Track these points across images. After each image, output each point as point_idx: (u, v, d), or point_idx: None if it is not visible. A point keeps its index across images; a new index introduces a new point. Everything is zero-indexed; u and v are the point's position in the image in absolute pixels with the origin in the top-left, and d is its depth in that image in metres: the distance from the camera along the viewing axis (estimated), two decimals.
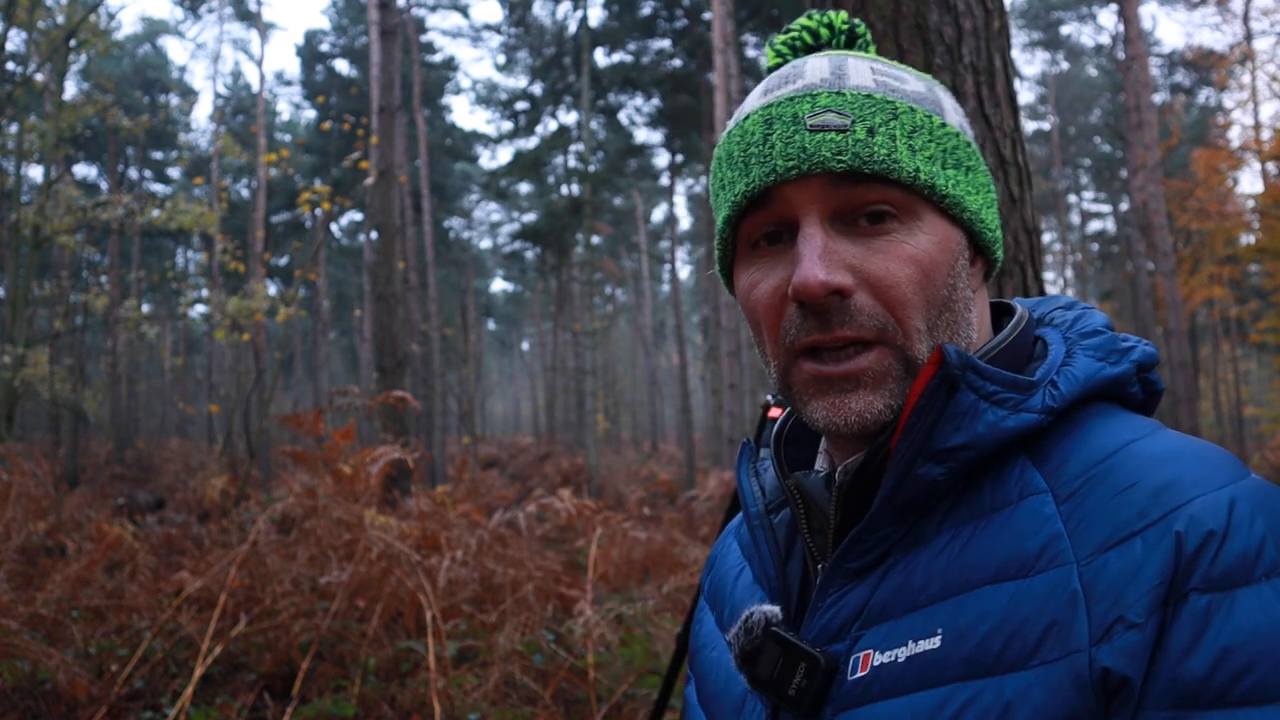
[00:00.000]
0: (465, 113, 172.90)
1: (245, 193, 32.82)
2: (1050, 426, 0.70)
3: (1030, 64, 41.48)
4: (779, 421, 0.88)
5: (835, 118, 0.71)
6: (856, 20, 0.85)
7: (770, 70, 0.84)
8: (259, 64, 25.42)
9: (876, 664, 0.67)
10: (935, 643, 0.65)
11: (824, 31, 0.84)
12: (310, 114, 34.99)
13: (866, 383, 0.71)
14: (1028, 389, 0.70)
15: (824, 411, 0.72)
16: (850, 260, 0.71)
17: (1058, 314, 0.81)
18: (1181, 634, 0.56)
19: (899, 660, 0.66)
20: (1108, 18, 31.13)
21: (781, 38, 0.85)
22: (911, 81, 0.77)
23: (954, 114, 0.78)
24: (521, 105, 26.14)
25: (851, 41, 0.85)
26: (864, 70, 0.76)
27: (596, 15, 40.59)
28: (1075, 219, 36.84)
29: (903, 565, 0.70)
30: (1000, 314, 0.84)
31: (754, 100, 0.78)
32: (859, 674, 0.68)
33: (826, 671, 0.69)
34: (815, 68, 0.77)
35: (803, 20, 0.85)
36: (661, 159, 26.48)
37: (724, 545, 0.96)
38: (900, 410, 0.71)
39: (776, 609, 0.75)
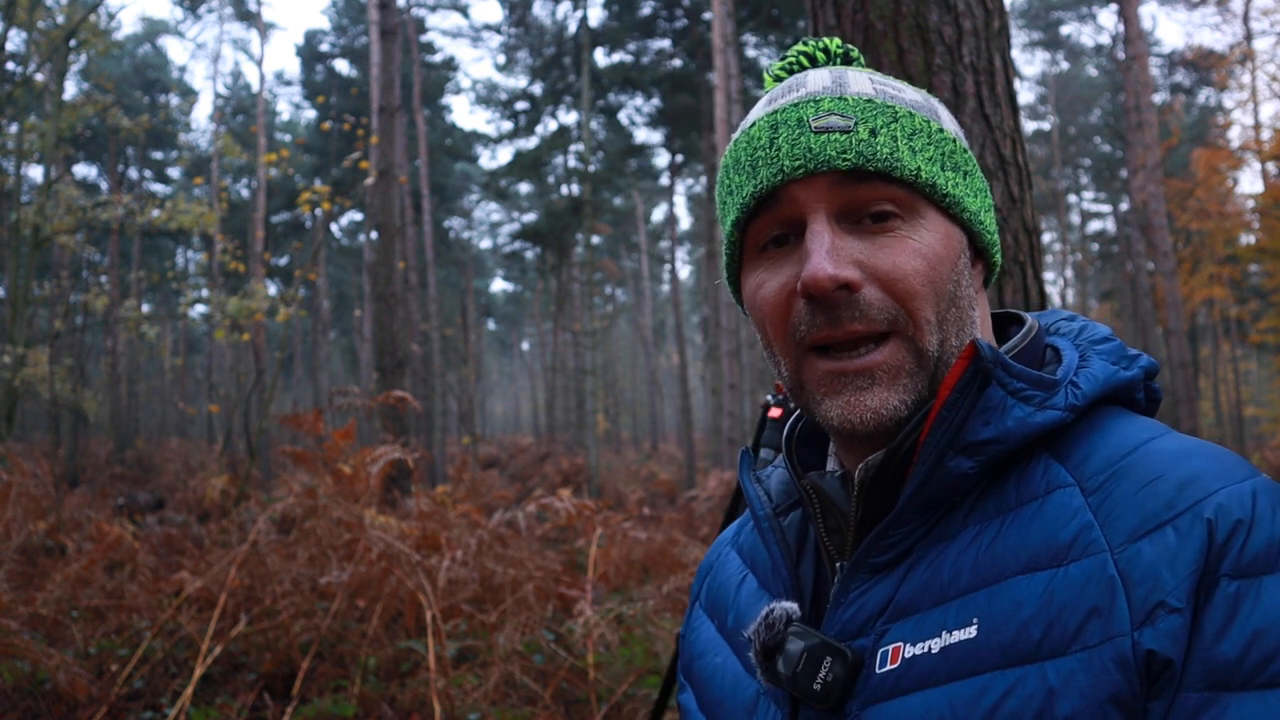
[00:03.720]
0: (465, 113, 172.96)
1: (245, 193, 32.82)
2: (1070, 425, 0.72)
3: (1030, 64, 41.49)
4: (789, 424, 0.89)
5: (839, 120, 0.74)
6: (850, 45, 0.89)
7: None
8: (259, 64, 25.42)
9: (908, 656, 0.68)
10: (971, 632, 0.66)
11: (820, 55, 0.87)
12: (310, 114, 34.99)
13: (881, 379, 0.72)
14: (1051, 387, 0.72)
15: (839, 410, 0.73)
16: (857, 256, 0.72)
17: (1063, 324, 0.84)
18: (1214, 618, 0.59)
19: (932, 651, 0.67)
20: (1108, 18, 31.17)
21: (779, 63, 0.88)
22: (909, 91, 0.81)
23: (950, 122, 0.81)
24: (521, 105, 26.13)
25: (847, 64, 0.88)
26: (863, 79, 0.80)
27: (596, 15, 40.61)
28: (1075, 219, 36.84)
29: (929, 559, 0.71)
30: (1006, 323, 0.87)
31: (759, 110, 0.81)
32: (889, 667, 0.69)
33: (853, 665, 0.70)
34: (816, 78, 0.80)
35: (799, 46, 0.88)
36: (661, 159, 26.51)
37: (720, 554, 0.96)
38: (914, 407, 0.73)
39: (795, 606, 0.75)
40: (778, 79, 0.87)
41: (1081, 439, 0.71)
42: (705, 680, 0.86)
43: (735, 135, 0.82)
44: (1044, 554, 0.66)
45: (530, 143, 26.19)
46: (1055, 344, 0.81)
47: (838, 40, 0.88)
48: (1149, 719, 0.59)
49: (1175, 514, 0.62)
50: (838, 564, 0.77)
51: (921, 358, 0.73)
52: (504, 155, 60.22)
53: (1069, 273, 37.90)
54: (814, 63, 0.87)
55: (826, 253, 0.71)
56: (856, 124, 0.74)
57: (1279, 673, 0.57)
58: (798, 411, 0.88)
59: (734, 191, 0.78)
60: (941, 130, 0.78)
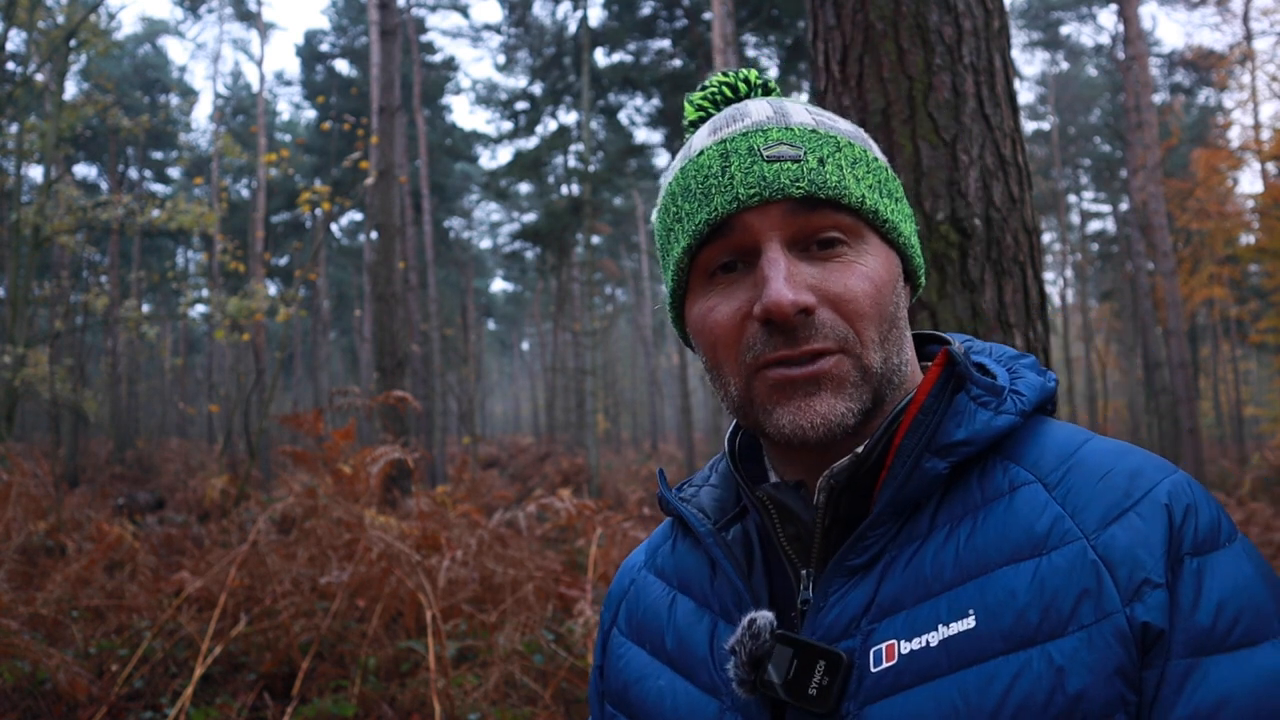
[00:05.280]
0: (465, 113, 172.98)
1: (245, 193, 32.82)
2: (1017, 429, 0.78)
3: (1030, 64, 41.51)
4: (728, 439, 0.91)
5: (788, 149, 0.78)
6: (768, 77, 0.92)
7: (691, 125, 0.91)
8: (259, 64, 25.43)
9: (905, 652, 0.70)
10: (970, 623, 0.69)
11: (742, 86, 0.91)
12: (310, 114, 34.99)
13: (828, 385, 0.75)
14: (1000, 394, 0.78)
15: (790, 416, 0.75)
16: (811, 281, 0.76)
17: (972, 344, 0.90)
18: (1186, 592, 0.66)
19: (931, 645, 0.70)
20: (1108, 18, 31.15)
21: (699, 94, 0.91)
22: (841, 122, 0.85)
23: (878, 151, 0.86)
24: (521, 105, 26.11)
25: (767, 94, 0.91)
26: (801, 110, 0.84)
27: (596, 15, 40.63)
28: (1075, 219, 36.82)
29: (905, 558, 0.74)
30: (921, 342, 0.92)
31: (704, 138, 0.84)
32: (885, 664, 0.71)
33: (846, 667, 0.71)
34: (758, 108, 0.84)
35: (719, 77, 0.91)
36: (661, 159, 26.47)
37: (634, 579, 0.96)
38: (860, 416, 0.76)
39: (773, 615, 0.76)
40: (700, 110, 0.90)
41: (1028, 441, 0.77)
42: (651, 704, 0.84)
43: (679, 164, 0.84)
44: (1025, 545, 0.71)
45: (530, 143, 26.17)
46: (979, 360, 0.86)
47: (756, 72, 0.91)
48: (1144, 688, 0.65)
49: (1134, 502, 0.70)
50: (803, 571, 0.78)
51: (866, 373, 0.76)
52: (504, 155, 60.29)
53: (1069, 273, 37.89)
54: (735, 93, 0.90)
55: (785, 279, 0.74)
56: (805, 153, 0.78)
57: (1243, 635, 0.65)
58: (733, 427, 0.91)
59: (684, 219, 0.81)
60: (876, 159, 0.83)
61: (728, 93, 0.90)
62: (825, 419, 0.74)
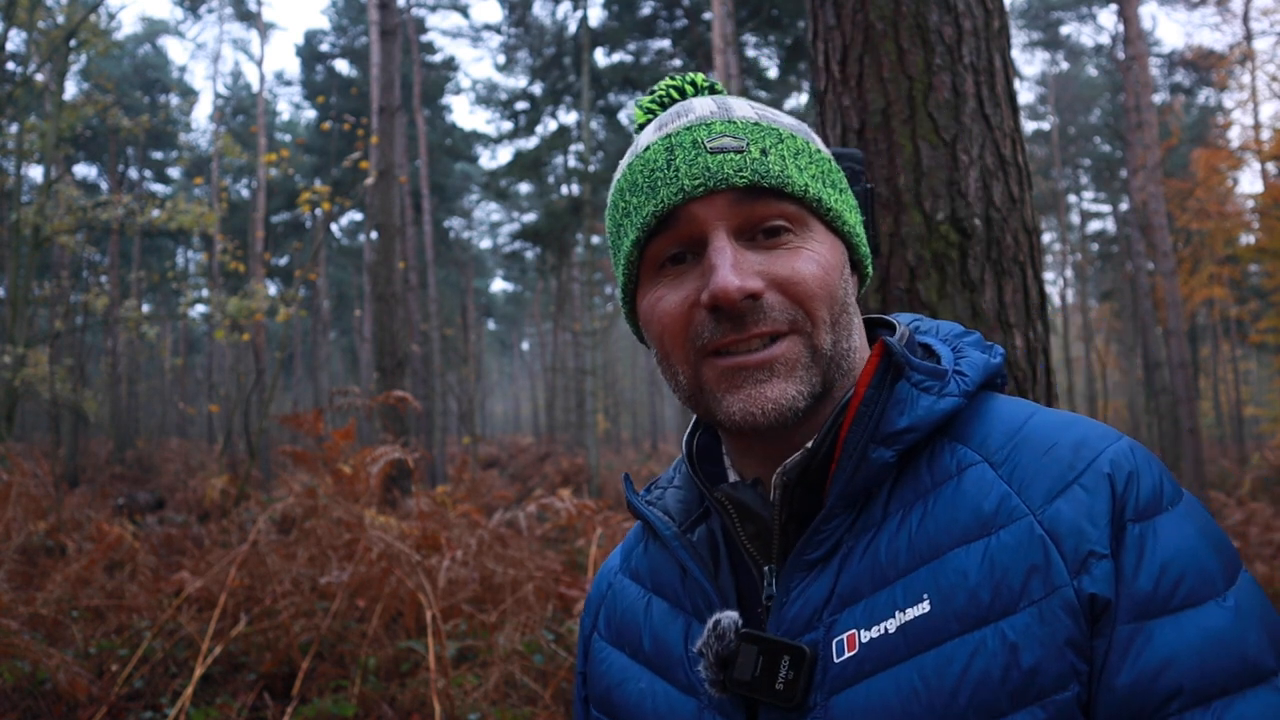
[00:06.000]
0: (465, 113, 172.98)
1: (245, 193, 32.82)
2: (962, 410, 0.79)
3: (1030, 64, 41.49)
4: (685, 441, 0.92)
5: (731, 141, 0.79)
6: (714, 80, 0.93)
7: (639, 128, 0.92)
8: (259, 64, 25.43)
9: (865, 640, 0.72)
10: (925, 607, 0.70)
11: (689, 89, 0.91)
12: (310, 114, 34.99)
13: (780, 371, 0.76)
14: (942, 377, 0.78)
15: (741, 404, 0.76)
16: (758, 267, 0.77)
17: (920, 324, 0.90)
18: (1129, 558, 0.68)
19: (889, 631, 0.71)
20: (1108, 18, 31.14)
21: (648, 98, 0.92)
22: (784, 117, 0.86)
23: (822, 145, 0.87)
24: (521, 105, 26.12)
25: (712, 95, 0.91)
26: (744, 105, 0.85)
27: (596, 15, 40.59)
28: (1075, 219, 36.80)
29: (860, 548, 0.75)
30: (872, 327, 0.92)
31: (649, 135, 0.85)
32: (847, 654, 0.72)
33: (810, 660, 0.72)
34: (702, 104, 0.85)
35: (666, 81, 0.92)
36: None
37: (611, 584, 0.97)
38: (810, 400, 0.77)
39: (737, 614, 0.77)
40: (649, 112, 0.91)
41: (974, 421, 0.78)
42: (632, 706, 0.85)
43: (626, 161, 0.86)
44: (974, 526, 0.72)
45: (530, 143, 26.19)
46: (925, 341, 0.86)
47: (702, 75, 0.92)
48: (1094, 657, 0.66)
49: (1078, 474, 0.71)
50: (765, 568, 0.79)
51: (816, 354, 0.77)
52: (504, 155, 60.23)
53: (1069, 273, 37.88)
54: (683, 95, 0.91)
55: (731, 266, 0.75)
56: (748, 144, 0.79)
57: (1185, 596, 0.66)
58: (691, 428, 0.92)
59: (632, 213, 0.81)
60: (819, 151, 0.84)
61: (675, 95, 0.91)
62: (776, 404, 0.75)
